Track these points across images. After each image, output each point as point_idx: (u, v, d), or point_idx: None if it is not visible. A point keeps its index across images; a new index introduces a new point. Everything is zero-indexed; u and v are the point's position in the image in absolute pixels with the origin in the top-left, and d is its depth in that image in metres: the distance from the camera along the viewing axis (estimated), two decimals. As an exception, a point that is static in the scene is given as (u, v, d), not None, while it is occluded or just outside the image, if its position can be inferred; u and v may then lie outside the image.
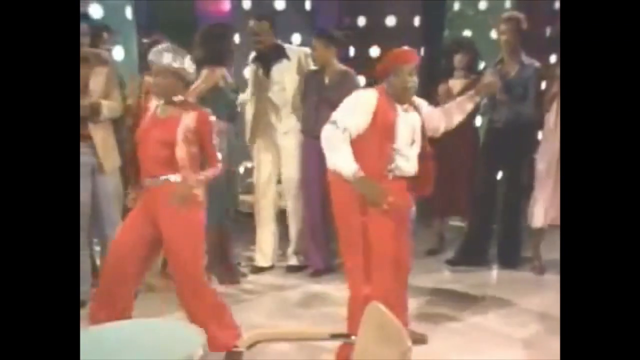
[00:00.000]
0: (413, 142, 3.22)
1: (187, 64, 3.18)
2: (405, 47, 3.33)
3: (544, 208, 4.62)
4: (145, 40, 4.54)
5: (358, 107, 3.12)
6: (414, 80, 3.19)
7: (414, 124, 3.24)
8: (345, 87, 4.04)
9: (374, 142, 3.10)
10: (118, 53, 5.12)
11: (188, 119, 3.14)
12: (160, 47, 3.20)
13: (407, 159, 3.18)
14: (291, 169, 4.80)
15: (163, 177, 3.14)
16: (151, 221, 3.19)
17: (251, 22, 4.75)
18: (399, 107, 3.18)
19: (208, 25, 4.57)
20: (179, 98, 3.21)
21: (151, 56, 3.17)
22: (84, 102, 3.87)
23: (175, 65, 3.12)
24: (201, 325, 3.22)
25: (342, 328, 3.03)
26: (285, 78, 4.69)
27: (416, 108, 3.30)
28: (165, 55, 3.12)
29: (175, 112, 3.17)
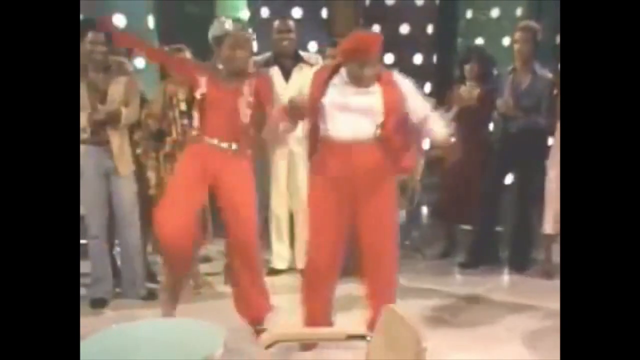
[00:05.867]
0: None
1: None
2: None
3: (554, 213, 4.60)
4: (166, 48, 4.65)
5: None
6: None
7: None
8: None
9: None
10: (140, 62, 5.25)
11: (248, 86, 3.46)
12: (218, 20, 3.48)
13: None
14: (303, 175, 4.84)
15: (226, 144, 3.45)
16: (206, 174, 3.45)
17: (276, 22, 4.82)
18: None
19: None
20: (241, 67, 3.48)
21: (213, 30, 3.42)
22: (104, 109, 4.07)
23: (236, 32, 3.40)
24: (245, 284, 3.54)
25: (358, 329, 3.10)
26: (305, 83, 4.75)
27: None
28: (225, 25, 3.39)
29: (238, 81, 3.46)
